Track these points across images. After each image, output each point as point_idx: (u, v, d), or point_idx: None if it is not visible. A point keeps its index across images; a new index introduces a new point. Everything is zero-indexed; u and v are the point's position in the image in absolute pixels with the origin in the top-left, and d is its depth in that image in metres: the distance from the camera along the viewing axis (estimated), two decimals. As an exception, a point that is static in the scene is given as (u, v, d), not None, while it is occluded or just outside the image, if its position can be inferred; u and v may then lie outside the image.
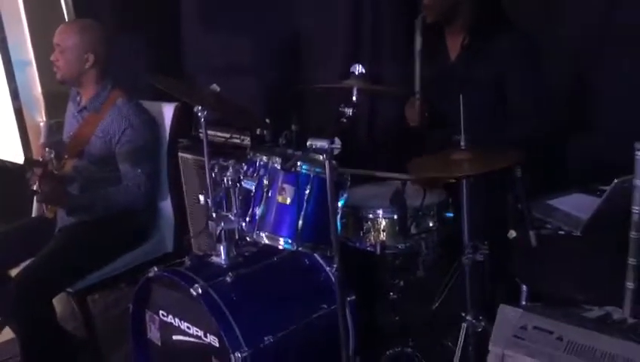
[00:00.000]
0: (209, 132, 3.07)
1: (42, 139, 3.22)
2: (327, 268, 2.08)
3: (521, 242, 1.89)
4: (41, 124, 3.38)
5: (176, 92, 2.22)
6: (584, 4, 2.36)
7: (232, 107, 2.42)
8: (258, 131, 2.65)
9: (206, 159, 2.33)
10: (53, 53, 2.43)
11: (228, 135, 3.04)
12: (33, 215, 3.07)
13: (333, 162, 1.68)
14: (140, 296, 2.06)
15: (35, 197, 2.24)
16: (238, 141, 3.04)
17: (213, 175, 2.20)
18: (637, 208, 1.65)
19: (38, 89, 3.46)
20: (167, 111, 2.54)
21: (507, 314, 1.10)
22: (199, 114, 2.29)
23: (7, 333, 2.60)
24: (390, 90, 2.16)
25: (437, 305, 2.32)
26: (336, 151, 1.65)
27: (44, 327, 2.18)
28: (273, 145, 2.41)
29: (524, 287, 1.96)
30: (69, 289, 2.30)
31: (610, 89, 2.34)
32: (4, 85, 3.67)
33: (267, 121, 2.54)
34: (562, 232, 1.90)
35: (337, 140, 1.64)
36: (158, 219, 2.60)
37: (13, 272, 2.43)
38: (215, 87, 2.29)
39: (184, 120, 2.70)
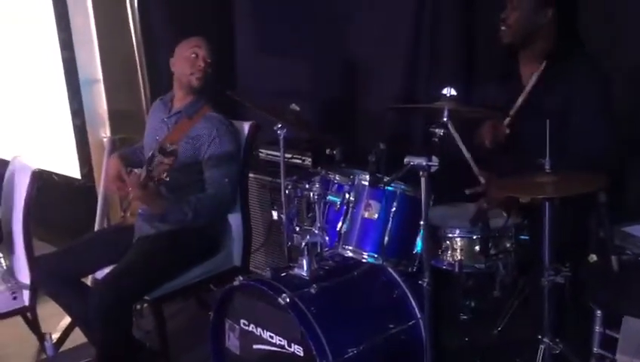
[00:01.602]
0: (270, 152, 3.24)
1: (106, 154, 3.34)
2: (403, 285, 2.13)
3: (602, 266, 1.93)
4: (105, 139, 3.49)
5: (261, 109, 2.30)
6: None
7: (307, 127, 2.52)
8: (327, 151, 2.72)
9: (282, 176, 2.42)
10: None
11: (289, 155, 3.12)
12: (96, 228, 3.17)
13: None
14: (222, 304, 2.11)
15: (122, 205, 2.30)
16: (299, 161, 3.12)
17: (287, 192, 2.28)
18: None
19: (103, 106, 3.58)
20: (244, 128, 2.63)
21: (633, 325, 1.14)
22: (279, 132, 2.39)
23: (76, 338, 2.67)
24: (479, 112, 2.21)
25: (501, 327, 2.36)
26: (433, 169, 1.72)
27: (122, 334, 2.24)
28: (337, 163, 2.49)
29: (599, 312, 1.99)
30: (147, 298, 2.36)
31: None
32: (67, 103, 3.81)
33: (337, 140, 2.62)
34: (643, 258, 1.93)
35: (435, 158, 1.71)
36: (228, 233, 2.67)
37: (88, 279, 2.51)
38: (295, 106, 2.39)
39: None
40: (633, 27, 2.45)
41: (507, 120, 2.27)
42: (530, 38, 2.25)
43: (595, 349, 1.98)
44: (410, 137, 3.00)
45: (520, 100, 2.28)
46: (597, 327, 1.99)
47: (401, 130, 3.06)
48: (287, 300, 1.87)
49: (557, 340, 1.96)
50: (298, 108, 2.38)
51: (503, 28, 2.26)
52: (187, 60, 2.51)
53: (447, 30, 2.98)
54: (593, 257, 1.94)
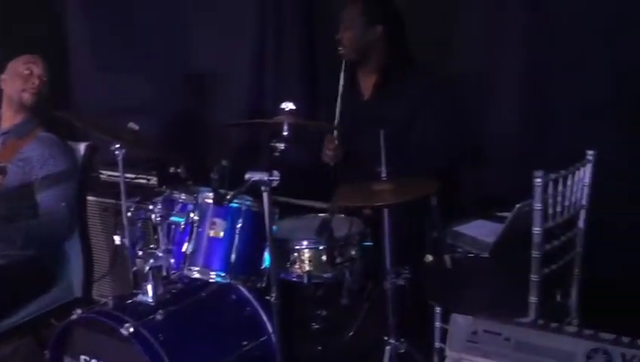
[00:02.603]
0: (112, 173, 3.08)
1: None
2: (254, 302, 2.12)
3: (436, 266, 2.07)
4: None
5: (95, 128, 2.18)
6: (472, 42, 2.65)
7: (148, 146, 2.43)
8: (172, 169, 2.63)
9: (123, 198, 2.29)
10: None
11: (133, 175, 2.99)
12: None
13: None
14: (59, 340, 1.96)
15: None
16: (144, 181, 3.00)
17: (129, 214, 2.18)
18: (537, 229, 1.89)
19: None
20: (80, 149, 2.47)
21: (459, 322, 1.23)
22: (116, 152, 2.27)
23: None
24: (319, 125, 2.28)
25: (353, 332, 2.43)
26: (274, 183, 1.72)
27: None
28: (183, 181, 2.43)
29: (437, 308, 2.13)
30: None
31: (496, 124, 2.64)
32: None
33: (182, 158, 2.55)
34: (472, 255, 2.10)
35: (276, 172, 1.72)
36: (66, 262, 2.48)
37: None
38: (133, 125, 2.29)
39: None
40: (460, 36, 2.68)
41: (335, 134, 2.36)
42: (365, 54, 2.40)
43: (436, 344, 2.12)
44: (260, 152, 3.02)
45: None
46: (437, 323, 2.13)
47: (249, 145, 3.07)
48: (131, 330, 1.77)
49: (402, 339, 2.07)
50: (137, 127, 2.29)
51: (339, 48, 2.38)
52: (20, 76, 2.38)
53: (290, 46, 3.05)
54: (429, 257, 2.06)
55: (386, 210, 1.97)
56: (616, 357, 1.09)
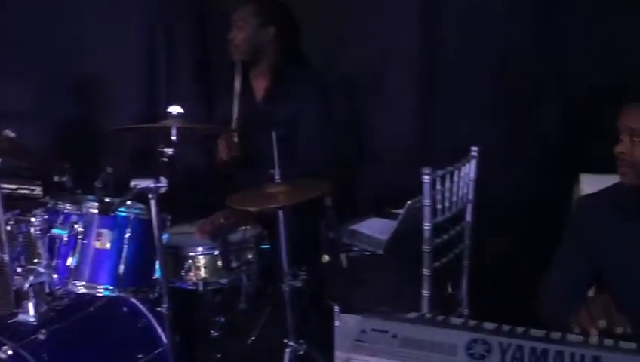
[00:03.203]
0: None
1: None
2: (147, 313, 2.03)
3: (333, 265, 2.09)
4: None
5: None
6: (363, 43, 2.70)
7: (28, 154, 2.28)
8: (57, 178, 2.49)
9: (0, 212, 2.14)
10: None
11: (14, 186, 2.80)
12: None
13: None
14: None
15: None
16: (27, 191, 2.82)
17: (8, 228, 2.04)
18: (427, 225, 1.95)
19: None
20: (-53, 160, 2.26)
21: (347, 322, 1.23)
22: (-9, 162, 2.12)
23: None
24: (211, 128, 2.23)
25: (254, 337, 2.41)
26: (162, 190, 1.66)
27: None
28: (72, 190, 2.30)
29: (337, 308, 2.14)
30: None
31: (386, 124, 2.71)
32: None
33: (67, 166, 2.41)
34: (367, 253, 2.13)
35: (163, 179, 1.66)
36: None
37: None
38: (9, 132, 2.15)
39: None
40: (350, 44, 2.72)
41: (234, 133, 2.34)
42: (257, 55, 2.38)
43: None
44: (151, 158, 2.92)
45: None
46: (336, 323, 2.14)
47: (141, 151, 2.96)
48: (9, 353, 1.65)
49: (301, 341, 2.06)
50: (13, 134, 2.14)
51: (232, 48, 2.34)
52: None
53: (182, 47, 2.98)
54: (325, 258, 2.08)
55: (280, 212, 1.96)
56: (495, 346, 1.13)
